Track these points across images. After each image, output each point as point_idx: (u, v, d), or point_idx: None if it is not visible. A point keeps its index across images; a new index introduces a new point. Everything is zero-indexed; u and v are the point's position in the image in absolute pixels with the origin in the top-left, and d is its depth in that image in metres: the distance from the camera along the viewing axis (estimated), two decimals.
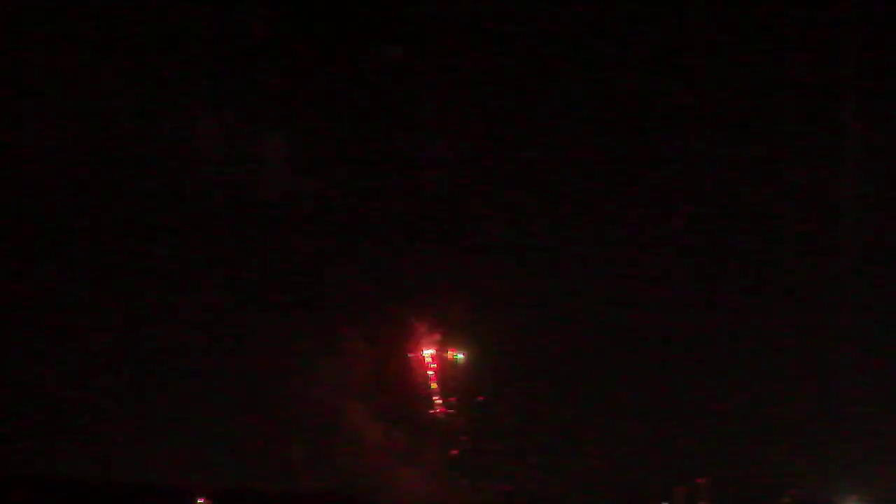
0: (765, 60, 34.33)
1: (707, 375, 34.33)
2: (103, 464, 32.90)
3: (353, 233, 34.62)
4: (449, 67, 34.17)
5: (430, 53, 34.14)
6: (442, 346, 34.88)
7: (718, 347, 34.46)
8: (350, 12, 33.90)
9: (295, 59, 33.93)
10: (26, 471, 32.62)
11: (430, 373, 35.02)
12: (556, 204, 34.83)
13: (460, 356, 34.92)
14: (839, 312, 34.11)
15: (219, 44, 33.97)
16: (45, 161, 32.79)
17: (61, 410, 32.97)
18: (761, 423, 33.96)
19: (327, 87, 34.25)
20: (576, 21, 33.77)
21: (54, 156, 32.90)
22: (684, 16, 34.11)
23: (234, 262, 34.40)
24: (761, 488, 34.06)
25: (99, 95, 33.01)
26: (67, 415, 32.99)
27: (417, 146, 34.47)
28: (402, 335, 34.68)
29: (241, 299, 34.10)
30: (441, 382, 35.13)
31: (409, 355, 34.87)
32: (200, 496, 33.30)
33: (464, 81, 34.37)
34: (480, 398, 34.92)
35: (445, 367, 35.07)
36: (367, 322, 33.96)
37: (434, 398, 35.16)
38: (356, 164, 34.44)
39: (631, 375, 34.57)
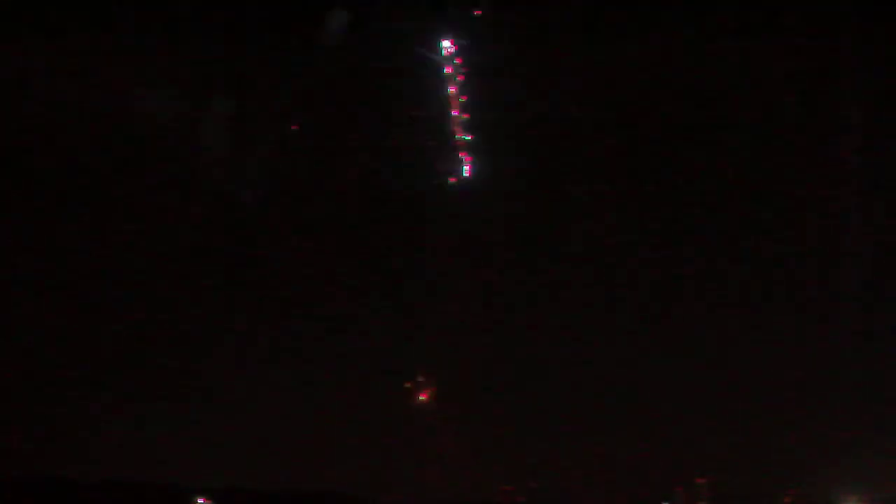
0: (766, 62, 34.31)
1: (707, 375, 34.28)
2: (103, 464, 33.05)
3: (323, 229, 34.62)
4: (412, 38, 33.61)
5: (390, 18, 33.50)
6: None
7: (718, 347, 34.42)
8: None
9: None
10: (26, 471, 32.77)
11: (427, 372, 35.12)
12: (552, 202, 34.85)
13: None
14: (840, 311, 34.04)
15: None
16: None
17: (60, 410, 33.13)
18: (761, 422, 33.94)
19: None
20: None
21: None
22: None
23: (230, 263, 34.60)
24: (761, 488, 34.02)
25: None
26: (66, 415, 33.14)
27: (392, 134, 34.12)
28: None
29: (237, 297, 34.28)
30: (439, 382, 35.20)
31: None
32: (200, 496, 33.37)
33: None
34: (479, 398, 34.94)
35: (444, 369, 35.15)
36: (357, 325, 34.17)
37: (432, 397, 35.22)
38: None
39: (630, 375, 34.57)
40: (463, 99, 33.58)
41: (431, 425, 34.70)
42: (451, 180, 33.63)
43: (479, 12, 33.06)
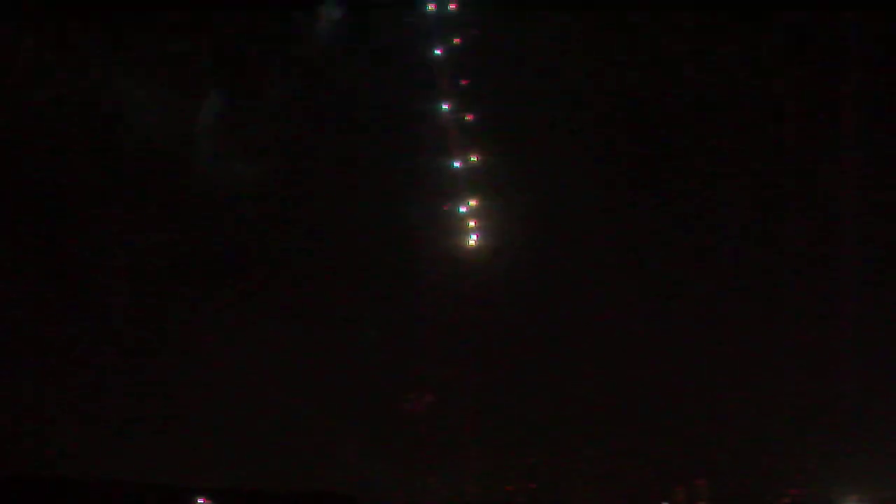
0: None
1: (706, 375, 34.25)
2: (103, 464, 33.05)
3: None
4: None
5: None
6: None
7: (718, 346, 34.37)
8: None
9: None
10: (26, 471, 32.81)
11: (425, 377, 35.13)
12: (550, 202, 34.78)
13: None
14: (839, 311, 34.04)
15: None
16: None
17: (59, 410, 33.19)
18: (761, 422, 33.92)
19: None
20: None
21: None
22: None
23: (226, 258, 34.57)
24: (761, 488, 34.01)
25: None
26: (66, 414, 33.19)
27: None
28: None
29: (236, 297, 34.25)
30: (438, 382, 35.20)
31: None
32: (200, 496, 33.40)
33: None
34: (478, 398, 34.93)
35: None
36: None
37: (433, 398, 35.23)
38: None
39: (630, 375, 34.53)
40: (463, 82, 33.48)
41: (431, 425, 34.73)
42: (445, 207, 33.69)
43: (478, 32, 32.93)
